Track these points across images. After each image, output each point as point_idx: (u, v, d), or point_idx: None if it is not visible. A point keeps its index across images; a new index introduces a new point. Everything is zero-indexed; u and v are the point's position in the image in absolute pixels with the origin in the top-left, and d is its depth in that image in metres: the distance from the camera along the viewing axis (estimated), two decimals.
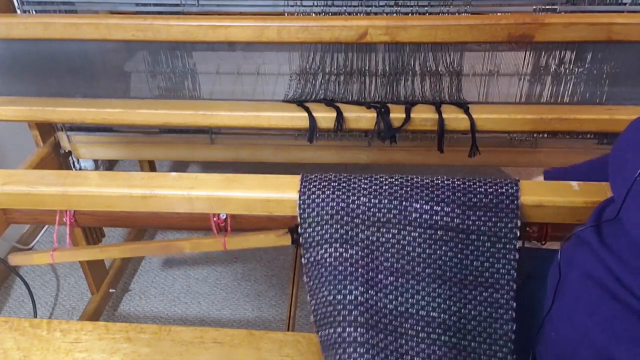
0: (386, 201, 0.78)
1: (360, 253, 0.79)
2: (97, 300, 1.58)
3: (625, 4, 0.99)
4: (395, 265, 0.78)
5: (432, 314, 0.76)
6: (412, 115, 1.01)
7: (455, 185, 0.78)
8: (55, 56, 1.10)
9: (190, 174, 0.87)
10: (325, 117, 1.03)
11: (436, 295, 0.76)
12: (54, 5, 1.09)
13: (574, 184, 0.82)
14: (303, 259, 0.82)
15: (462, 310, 0.76)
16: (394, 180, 0.80)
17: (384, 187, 0.79)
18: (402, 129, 1.02)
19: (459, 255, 0.77)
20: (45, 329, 0.92)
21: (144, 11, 1.06)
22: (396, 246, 0.78)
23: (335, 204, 0.79)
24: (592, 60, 1.03)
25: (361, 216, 0.79)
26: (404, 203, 0.78)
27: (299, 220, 0.81)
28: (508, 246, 0.77)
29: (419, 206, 0.77)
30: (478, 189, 0.78)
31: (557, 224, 0.90)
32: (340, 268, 0.78)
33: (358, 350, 0.74)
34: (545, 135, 1.17)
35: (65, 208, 0.96)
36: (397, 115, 1.02)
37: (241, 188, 0.84)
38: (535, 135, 1.16)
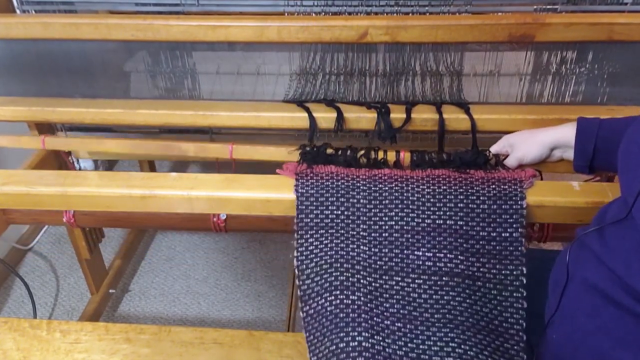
0: (386, 250, 0.76)
1: (362, 299, 0.74)
2: (96, 300, 1.58)
3: (626, 4, 0.99)
4: (402, 310, 0.74)
5: (446, 359, 0.71)
6: (412, 115, 1.01)
7: (457, 228, 0.75)
8: (55, 56, 1.10)
9: (190, 174, 0.87)
10: (325, 117, 1.03)
11: (449, 340, 0.71)
12: (53, 5, 1.08)
13: (575, 184, 0.82)
14: (302, 312, 0.77)
15: (479, 356, 0.70)
16: (393, 224, 0.76)
17: (384, 235, 0.76)
18: (402, 129, 1.01)
19: (468, 300, 0.73)
20: (44, 329, 0.91)
21: (143, 11, 1.06)
22: (400, 292, 0.75)
23: (333, 252, 0.77)
24: (593, 60, 1.02)
25: (362, 263, 0.76)
26: (405, 251, 0.75)
27: (296, 272, 0.77)
28: (515, 294, 0.74)
29: (420, 254, 0.75)
30: (480, 232, 0.75)
31: (557, 223, 0.90)
32: (342, 315, 0.73)
33: None
34: None
35: (64, 208, 0.96)
36: (397, 115, 1.02)
37: (241, 188, 0.84)
38: None
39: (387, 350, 0.71)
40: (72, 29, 1.01)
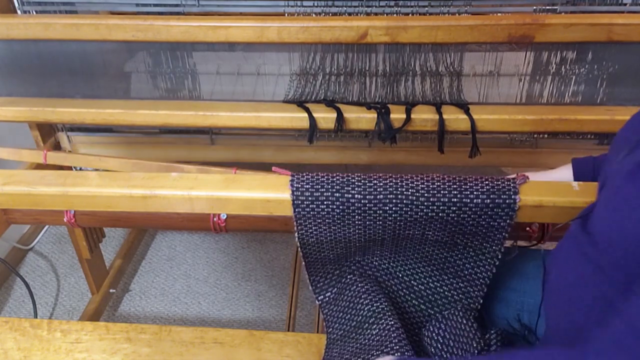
0: (380, 231, 0.81)
1: (358, 252, 0.84)
2: (97, 300, 1.58)
3: (625, 4, 0.99)
4: (389, 263, 0.88)
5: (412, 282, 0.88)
6: (412, 116, 1.01)
7: (449, 219, 0.78)
8: (55, 56, 1.10)
9: (190, 174, 0.87)
10: (325, 118, 1.03)
11: (423, 273, 0.87)
12: (54, 6, 1.09)
13: (574, 184, 0.82)
14: (303, 261, 0.85)
15: (442, 287, 0.86)
16: (387, 216, 0.80)
17: (378, 224, 0.80)
18: (402, 129, 1.02)
19: (445, 253, 0.84)
20: (45, 329, 0.92)
21: (144, 11, 1.06)
22: (390, 248, 0.86)
23: (330, 232, 0.82)
24: (592, 61, 1.03)
25: (356, 238, 0.83)
26: (397, 230, 0.81)
27: (298, 244, 0.84)
28: (489, 260, 0.83)
29: (410, 232, 0.80)
30: (470, 222, 0.78)
31: (557, 224, 0.90)
32: (339, 257, 0.86)
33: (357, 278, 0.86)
34: (546, 136, 1.17)
35: (65, 208, 0.96)
36: (397, 115, 1.02)
37: (241, 188, 0.84)
38: (535, 135, 1.16)
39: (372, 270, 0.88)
40: (72, 29, 1.01)
